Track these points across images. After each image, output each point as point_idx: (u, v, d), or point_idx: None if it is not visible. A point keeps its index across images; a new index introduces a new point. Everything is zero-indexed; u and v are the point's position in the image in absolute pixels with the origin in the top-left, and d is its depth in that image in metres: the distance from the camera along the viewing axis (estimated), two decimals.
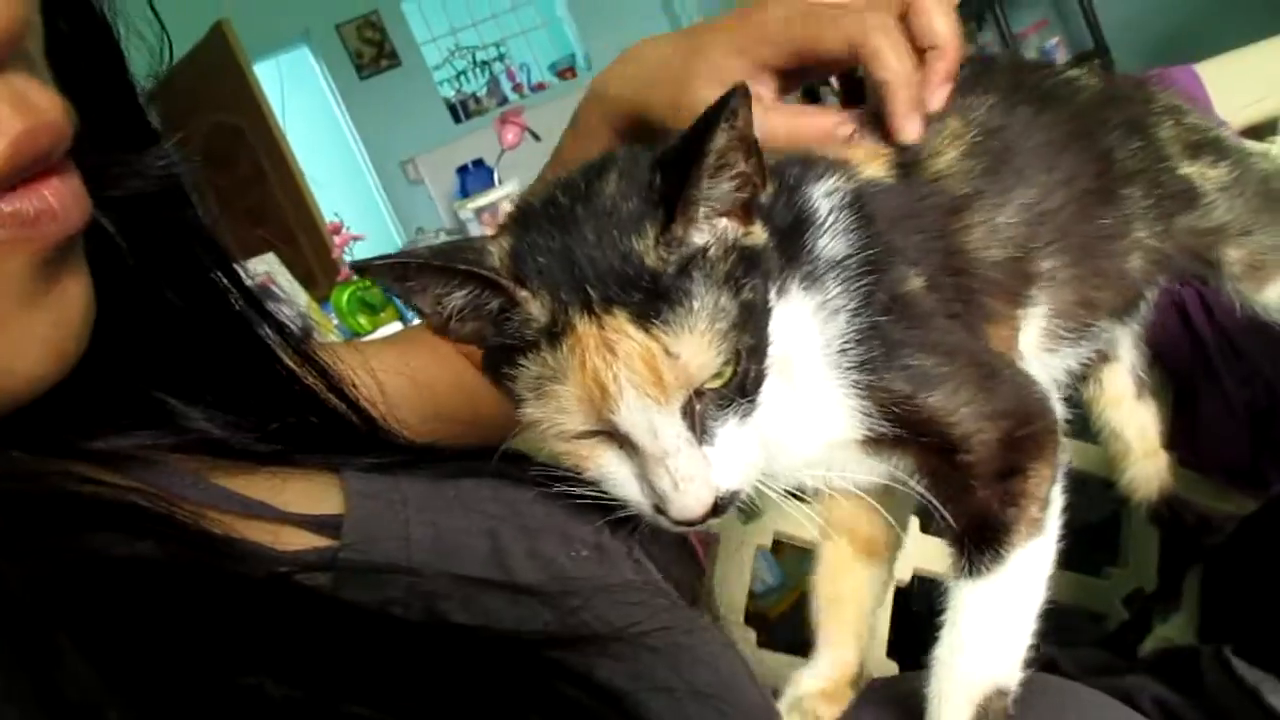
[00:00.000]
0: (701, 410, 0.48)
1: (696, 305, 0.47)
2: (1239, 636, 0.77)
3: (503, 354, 0.51)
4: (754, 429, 0.50)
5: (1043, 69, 0.76)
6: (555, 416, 0.49)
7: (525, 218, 0.52)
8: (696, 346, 0.47)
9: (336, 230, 2.88)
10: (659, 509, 0.49)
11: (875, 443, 0.55)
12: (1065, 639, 1.00)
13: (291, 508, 0.49)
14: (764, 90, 0.65)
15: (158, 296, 0.52)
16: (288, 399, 0.58)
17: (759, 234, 0.51)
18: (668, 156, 0.49)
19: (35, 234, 0.37)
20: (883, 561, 0.68)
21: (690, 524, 0.49)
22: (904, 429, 0.53)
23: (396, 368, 0.74)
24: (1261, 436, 1.22)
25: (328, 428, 0.58)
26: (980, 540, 0.53)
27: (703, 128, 0.46)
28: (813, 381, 0.53)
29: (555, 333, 0.48)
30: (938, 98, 0.60)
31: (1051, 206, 0.62)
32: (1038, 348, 0.65)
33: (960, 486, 0.54)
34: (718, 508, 0.49)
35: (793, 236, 0.54)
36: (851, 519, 0.66)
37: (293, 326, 0.60)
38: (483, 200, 2.95)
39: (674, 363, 0.46)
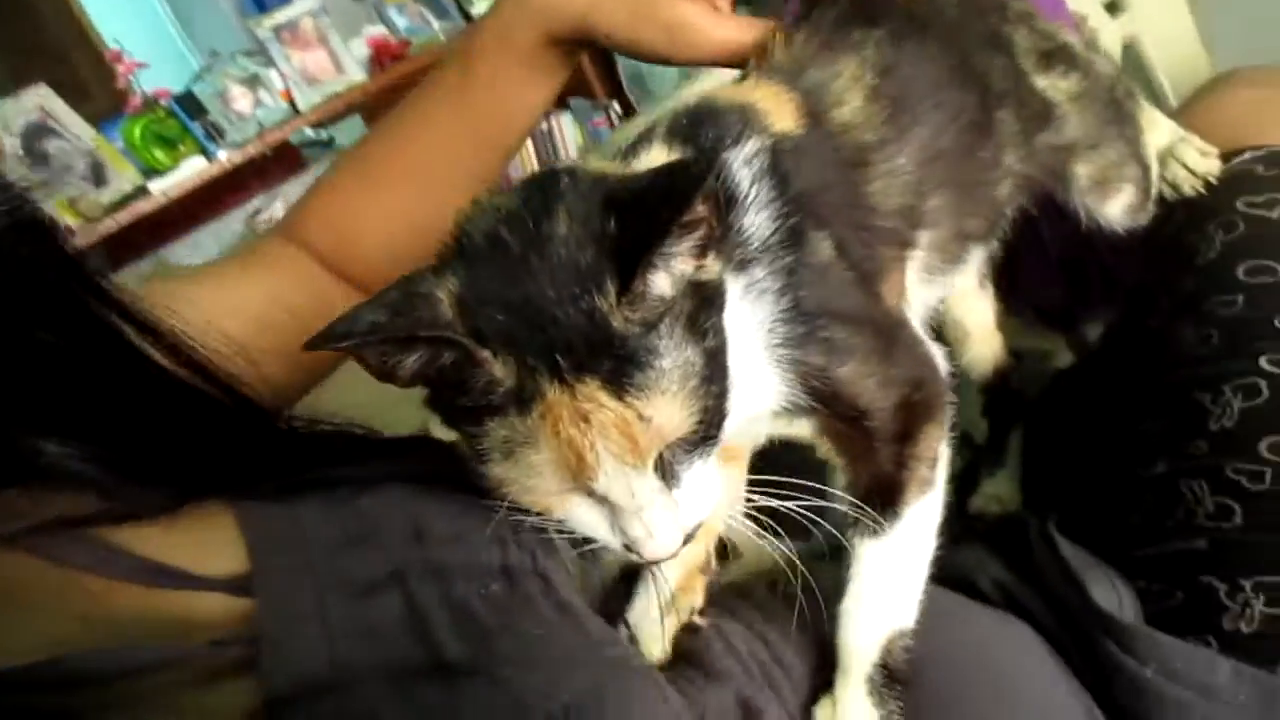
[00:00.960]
0: (669, 457, 0.48)
1: (666, 364, 0.46)
2: (1062, 502, 0.85)
3: (462, 410, 0.48)
4: (713, 459, 0.50)
5: None
6: (527, 480, 0.48)
7: (468, 254, 0.48)
8: (670, 408, 0.46)
9: (118, 59, 2.55)
10: (629, 548, 0.50)
11: (789, 411, 0.56)
12: None
13: (194, 564, 0.47)
14: None
15: (23, 334, 0.47)
16: (167, 406, 0.54)
17: (713, 268, 0.49)
18: (622, 201, 0.46)
19: None
20: (741, 464, 0.69)
21: (661, 561, 0.50)
22: (817, 400, 0.54)
23: (263, 301, 0.72)
24: (1073, 278, 1.31)
25: (213, 437, 0.55)
26: (878, 500, 0.57)
27: (674, 188, 0.44)
28: (739, 360, 0.53)
29: (524, 399, 0.46)
30: None
31: (944, 145, 0.62)
32: (914, 284, 0.66)
33: (861, 450, 0.57)
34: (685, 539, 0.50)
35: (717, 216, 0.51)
36: None
37: (156, 323, 0.54)
38: (281, 16, 2.66)
39: (648, 426, 0.46)
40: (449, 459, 0.57)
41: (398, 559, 0.52)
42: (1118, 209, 0.78)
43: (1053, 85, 0.72)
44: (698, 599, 0.66)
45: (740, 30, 0.62)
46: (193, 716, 0.41)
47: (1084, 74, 0.74)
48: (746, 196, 0.53)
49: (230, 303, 0.69)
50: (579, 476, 0.47)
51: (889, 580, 0.59)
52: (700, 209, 0.46)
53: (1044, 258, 1.31)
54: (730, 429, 0.56)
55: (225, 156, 2.69)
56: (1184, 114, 0.94)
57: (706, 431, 0.48)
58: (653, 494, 0.48)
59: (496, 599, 0.52)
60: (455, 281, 0.47)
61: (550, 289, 0.45)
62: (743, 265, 0.52)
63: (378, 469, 0.57)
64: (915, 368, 0.58)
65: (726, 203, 0.52)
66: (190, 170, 2.67)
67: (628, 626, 0.63)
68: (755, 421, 0.58)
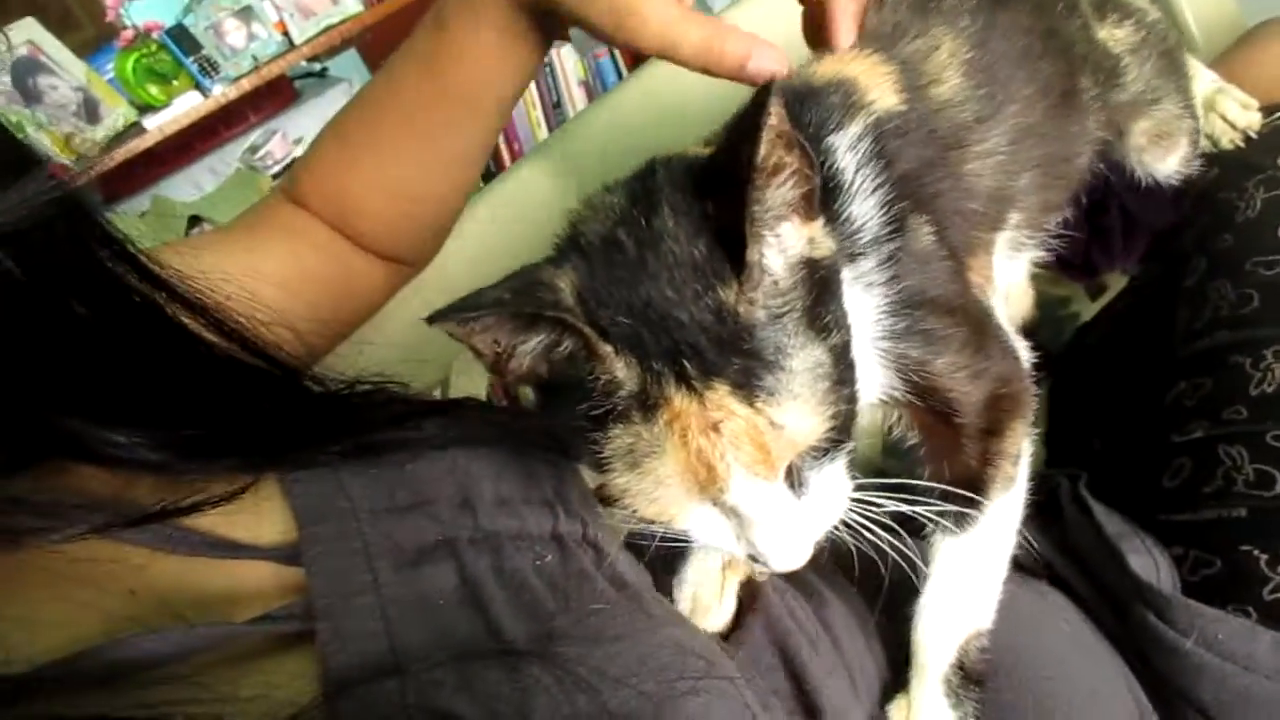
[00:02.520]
0: (798, 464, 0.46)
1: (796, 364, 0.44)
2: (1088, 462, 0.85)
3: (583, 416, 0.46)
4: (842, 461, 0.48)
5: None
6: (653, 490, 0.46)
7: (584, 252, 0.46)
8: (801, 413, 0.44)
9: None
10: (754, 558, 0.49)
11: (884, 404, 0.55)
12: None
13: (241, 535, 0.47)
14: None
15: (61, 310, 0.46)
16: (206, 379, 0.53)
17: (823, 240, 0.47)
18: (712, 178, 0.44)
19: None
20: None
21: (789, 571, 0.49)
22: (913, 391, 0.53)
23: (286, 268, 0.71)
24: (1095, 225, 1.30)
25: (263, 409, 0.54)
26: (961, 497, 0.56)
27: (742, 139, 0.41)
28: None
29: (648, 405, 0.44)
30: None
31: (1033, 120, 0.60)
32: (1001, 259, 0.65)
33: (948, 445, 0.56)
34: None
35: (826, 207, 0.50)
36: None
37: (203, 299, 0.53)
38: None
39: (779, 434, 0.43)
40: (487, 421, 0.56)
41: (448, 527, 0.51)
42: (1174, 163, 0.76)
43: (1111, 36, 0.70)
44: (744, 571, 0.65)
45: (683, 31, 0.57)
46: (249, 696, 0.41)
47: (1137, 22, 0.71)
48: (852, 184, 0.51)
49: (256, 271, 0.67)
50: (708, 488, 0.45)
51: (968, 578, 0.58)
52: (782, 154, 0.43)
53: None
54: None
55: (220, 91, 2.63)
56: (1223, 65, 0.91)
57: (838, 435, 0.46)
58: (782, 505, 0.46)
59: (551, 572, 0.52)
60: (574, 276, 0.45)
61: (669, 289, 0.43)
62: (851, 254, 0.50)
63: (420, 432, 0.56)
64: (1004, 362, 0.56)
65: (834, 191, 0.50)
66: (185, 105, 2.60)
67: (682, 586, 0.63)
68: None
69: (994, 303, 0.61)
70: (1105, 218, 1.28)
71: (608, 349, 0.44)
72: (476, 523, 0.52)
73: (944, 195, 0.55)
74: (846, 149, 0.51)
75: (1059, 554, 0.74)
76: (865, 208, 0.50)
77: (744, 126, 0.42)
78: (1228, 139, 0.84)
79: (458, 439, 0.56)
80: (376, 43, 3.05)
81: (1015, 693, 0.62)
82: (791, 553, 0.47)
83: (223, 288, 0.55)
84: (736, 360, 0.43)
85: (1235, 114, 0.84)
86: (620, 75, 3.15)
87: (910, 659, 0.60)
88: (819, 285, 0.46)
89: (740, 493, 0.45)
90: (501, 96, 0.74)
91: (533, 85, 2.97)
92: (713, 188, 0.45)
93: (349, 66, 3.33)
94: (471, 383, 1.00)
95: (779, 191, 0.44)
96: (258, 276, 0.64)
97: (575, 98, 3.11)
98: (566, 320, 0.44)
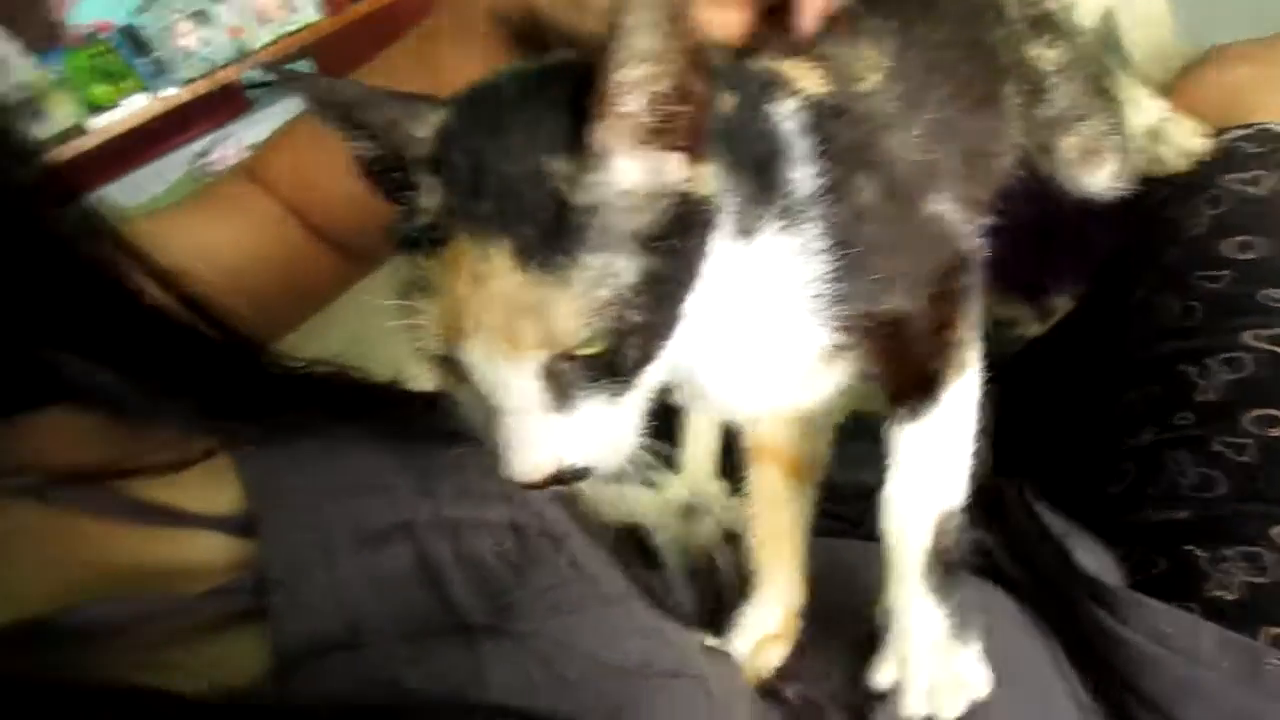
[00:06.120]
0: (569, 374, 0.43)
1: (591, 261, 0.41)
2: (1033, 469, 0.87)
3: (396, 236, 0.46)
4: (629, 410, 0.46)
5: None
6: (420, 331, 0.44)
7: (473, 98, 0.46)
8: (567, 309, 0.41)
9: None
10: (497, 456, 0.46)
11: (832, 355, 0.54)
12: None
13: (193, 504, 0.46)
14: None
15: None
16: (157, 343, 0.52)
17: (708, 181, 0.45)
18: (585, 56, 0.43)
19: None
20: (812, 481, 0.68)
21: (528, 486, 0.46)
22: (863, 336, 0.53)
23: (231, 246, 0.71)
24: (1043, 247, 1.33)
25: (211, 373, 0.53)
26: (915, 389, 0.55)
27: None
28: (784, 319, 0.50)
29: (436, 239, 0.43)
30: None
31: (949, 116, 0.60)
32: None
33: (899, 350, 0.55)
34: (559, 478, 0.46)
35: (766, 170, 0.49)
36: (776, 442, 0.66)
37: (155, 255, 0.52)
38: None
39: (537, 318, 0.41)
40: (444, 413, 0.56)
41: (405, 510, 0.51)
42: (1103, 179, 0.78)
43: (1041, 55, 0.72)
44: (786, 649, 0.65)
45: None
46: (200, 668, 0.40)
47: (1068, 43, 0.74)
48: (792, 151, 0.50)
49: (199, 248, 0.66)
50: (453, 339, 0.43)
51: (932, 459, 0.56)
52: (675, 64, 0.41)
53: (1014, 226, 1.33)
54: (771, 386, 0.55)
55: (170, 93, 2.59)
56: (1174, 90, 0.95)
57: (613, 362, 0.44)
58: (529, 401, 0.44)
59: (509, 556, 0.51)
60: (449, 113, 0.45)
61: (512, 139, 0.43)
62: (791, 220, 0.49)
63: (376, 420, 0.56)
64: (944, 258, 0.55)
65: (774, 155, 0.50)
66: (132, 107, 2.56)
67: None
68: (798, 375, 0.56)
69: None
70: (1056, 240, 1.32)
71: (421, 178, 0.44)
72: (435, 509, 0.52)
73: (881, 164, 0.55)
74: (785, 117, 0.51)
75: (1002, 551, 0.75)
76: (804, 174, 0.50)
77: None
78: (1180, 166, 0.87)
79: (416, 430, 0.56)
80: (333, 53, 3.03)
81: None
82: (525, 459, 0.44)
83: (176, 258, 0.54)
84: (531, 229, 0.41)
85: (1184, 140, 0.87)
86: None
87: (882, 562, 0.58)
88: (677, 219, 0.44)
89: (481, 361, 0.43)
90: None
91: None
92: (584, 65, 0.43)
93: None
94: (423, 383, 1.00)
95: (657, 89, 0.42)
96: (207, 255, 0.64)
97: None
98: (375, 132, 0.45)
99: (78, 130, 2.52)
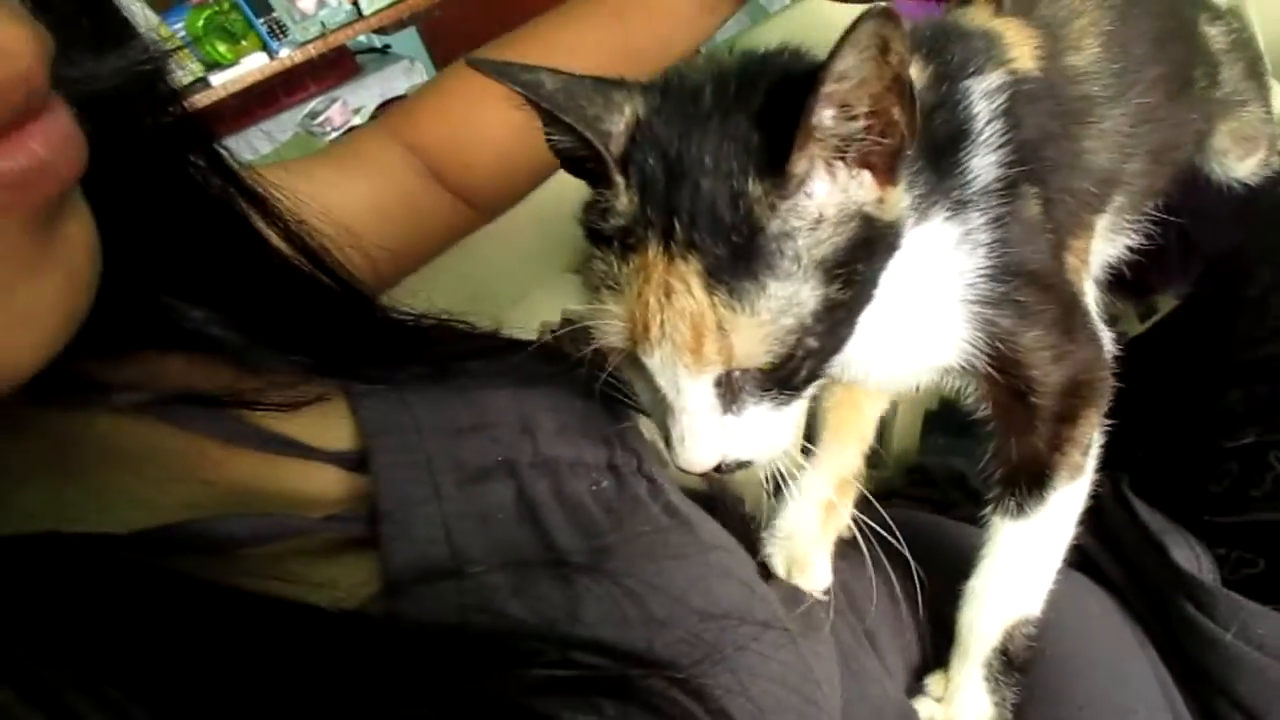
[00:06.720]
0: (740, 380, 0.46)
1: (774, 288, 0.42)
2: (1131, 465, 0.85)
3: (590, 232, 0.47)
4: (792, 413, 0.48)
5: None
6: (601, 323, 0.46)
7: (668, 93, 0.46)
8: (751, 334, 0.43)
9: None
10: (667, 443, 0.49)
11: (962, 370, 0.54)
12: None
13: (309, 438, 0.48)
14: None
15: (150, 199, 0.47)
16: (279, 284, 0.54)
17: (895, 205, 0.45)
18: (793, 74, 0.43)
19: (26, 197, 0.30)
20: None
21: (690, 473, 0.49)
22: (994, 363, 0.52)
23: (360, 205, 0.71)
24: (1153, 246, 1.29)
25: (326, 321, 0.55)
26: (1026, 480, 0.55)
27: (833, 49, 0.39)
28: (932, 309, 0.50)
29: (629, 244, 0.44)
30: None
31: (1154, 103, 0.59)
32: (1098, 244, 0.64)
33: (1020, 425, 0.55)
34: (721, 468, 0.48)
35: (948, 153, 0.48)
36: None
37: (282, 205, 0.54)
38: None
39: (721, 338, 0.43)
40: (549, 361, 0.57)
41: (508, 450, 0.52)
42: (1251, 166, 0.75)
43: (1210, 34, 0.69)
44: (844, 517, 0.65)
45: None
46: (312, 586, 0.42)
47: (1227, 24, 0.71)
48: (980, 134, 0.49)
49: (328, 201, 0.69)
50: (638, 342, 0.45)
51: (1023, 564, 0.57)
52: (880, 97, 0.41)
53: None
54: (900, 373, 0.55)
55: (286, 54, 2.67)
56: None
57: (785, 380, 0.46)
58: (701, 404, 0.46)
59: (606, 496, 0.53)
60: (643, 104, 0.45)
61: (709, 155, 0.43)
62: (961, 208, 0.49)
63: (484, 365, 0.58)
64: (1088, 348, 0.55)
65: (960, 138, 0.49)
66: (251, 66, 2.65)
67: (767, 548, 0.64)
68: (927, 373, 0.56)
69: (1086, 287, 0.60)
70: (1164, 238, 1.28)
71: (620, 179, 0.44)
72: (536, 448, 0.53)
73: (1059, 170, 0.54)
74: (982, 96, 0.50)
75: (1097, 543, 0.74)
76: (985, 162, 0.49)
77: (843, 35, 0.40)
78: None
79: (519, 375, 0.58)
80: (439, 23, 3.08)
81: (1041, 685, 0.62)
82: (695, 453, 0.47)
83: (301, 209, 0.56)
84: (723, 249, 0.42)
85: None
86: None
87: (953, 640, 0.60)
88: (862, 244, 0.45)
89: (661, 366, 0.45)
90: (676, 57, 0.73)
91: None
92: (789, 83, 0.44)
93: (410, 45, 3.36)
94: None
95: (854, 124, 0.42)
96: (337, 206, 0.66)
97: None
98: (584, 134, 0.44)
99: (201, 84, 2.61)
